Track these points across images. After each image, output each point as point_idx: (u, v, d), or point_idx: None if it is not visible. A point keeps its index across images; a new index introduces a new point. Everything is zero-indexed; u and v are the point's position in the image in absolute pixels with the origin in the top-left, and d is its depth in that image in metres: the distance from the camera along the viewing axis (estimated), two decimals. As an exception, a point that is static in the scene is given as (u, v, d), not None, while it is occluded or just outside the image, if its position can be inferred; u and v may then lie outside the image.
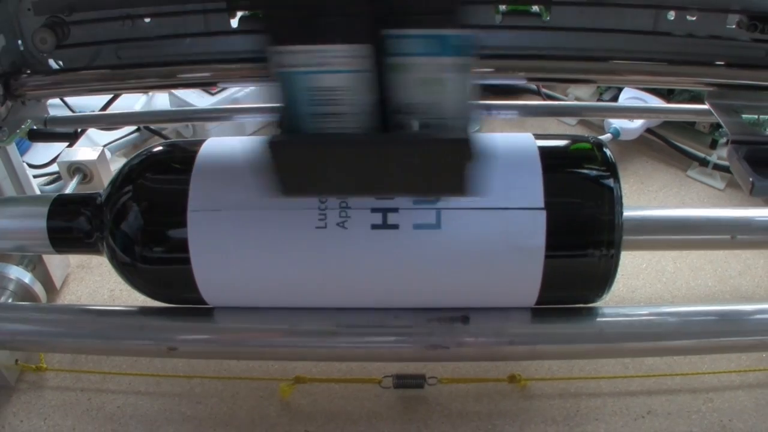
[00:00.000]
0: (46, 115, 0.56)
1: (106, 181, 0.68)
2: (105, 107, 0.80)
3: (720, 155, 0.75)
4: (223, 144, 0.45)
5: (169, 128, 0.84)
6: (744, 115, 0.46)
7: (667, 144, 0.79)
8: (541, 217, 0.40)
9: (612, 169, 0.42)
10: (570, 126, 0.85)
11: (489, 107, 0.57)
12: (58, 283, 0.64)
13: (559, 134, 0.47)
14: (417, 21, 0.29)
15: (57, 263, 0.64)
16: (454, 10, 0.29)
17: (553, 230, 0.40)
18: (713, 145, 0.76)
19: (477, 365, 0.54)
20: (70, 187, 0.68)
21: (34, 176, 0.68)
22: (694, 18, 0.46)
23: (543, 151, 0.42)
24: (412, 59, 0.30)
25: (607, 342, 0.46)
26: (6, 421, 0.53)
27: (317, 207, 0.40)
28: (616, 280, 0.42)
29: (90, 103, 0.82)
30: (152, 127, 0.83)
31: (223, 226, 0.41)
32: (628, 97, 0.77)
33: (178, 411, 0.53)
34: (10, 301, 0.56)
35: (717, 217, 0.50)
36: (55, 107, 0.79)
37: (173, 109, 0.82)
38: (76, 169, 0.71)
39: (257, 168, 0.33)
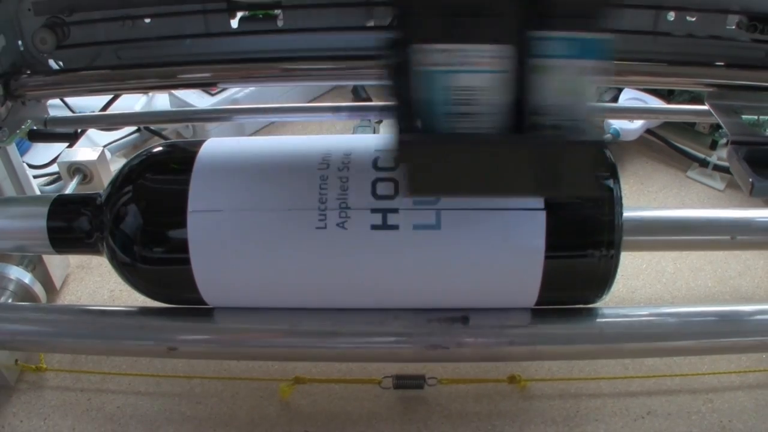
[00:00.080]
0: (46, 116, 0.56)
1: (106, 181, 0.68)
2: (105, 108, 0.80)
3: (720, 156, 0.75)
4: (222, 144, 0.45)
5: (169, 129, 0.84)
6: (744, 116, 0.46)
7: (667, 145, 0.79)
8: (541, 217, 0.40)
9: (612, 170, 0.42)
10: (570, 127, 0.84)
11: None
12: (58, 284, 0.64)
13: (559, 135, 0.47)
14: (564, 23, 0.29)
15: (57, 263, 0.64)
16: (600, 14, 0.29)
17: (553, 231, 0.40)
18: (713, 145, 0.76)
19: (477, 366, 0.54)
20: (70, 188, 0.68)
21: (34, 176, 0.68)
22: (693, 18, 0.46)
23: None
24: (554, 61, 0.30)
25: (607, 342, 0.46)
26: (6, 421, 0.53)
27: (317, 207, 0.40)
28: (616, 280, 0.42)
29: (90, 103, 0.82)
30: (152, 127, 0.83)
31: (223, 227, 0.41)
32: (628, 97, 0.77)
33: (178, 411, 0.53)
34: (10, 301, 0.56)
35: (717, 217, 0.50)
36: (55, 107, 0.79)
37: (173, 109, 0.82)
38: (76, 169, 0.71)
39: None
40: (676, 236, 0.50)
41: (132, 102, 0.85)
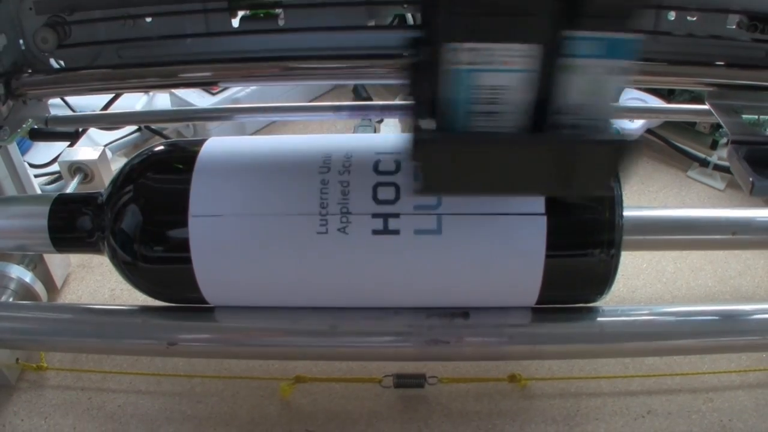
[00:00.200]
0: (47, 115, 0.56)
1: (106, 180, 0.68)
2: (106, 107, 0.80)
3: (720, 156, 0.75)
4: (224, 144, 0.45)
5: (169, 128, 0.84)
6: (744, 116, 0.46)
7: (667, 144, 0.79)
8: (542, 222, 0.40)
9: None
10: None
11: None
12: (59, 283, 0.64)
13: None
14: (596, 23, 0.29)
15: (58, 262, 0.64)
16: (631, 14, 0.29)
17: (554, 233, 0.40)
18: (713, 145, 0.76)
19: (477, 365, 0.55)
20: (71, 187, 0.68)
21: (35, 176, 0.68)
22: (694, 18, 0.46)
23: None
24: (582, 61, 0.30)
25: (607, 342, 0.46)
26: (7, 420, 0.53)
27: (318, 212, 0.40)
28: (616, 280, 0.42)
29: (91, 102, 0.82)
30: (153, 126, 0.83)
31: (224, 231, 0.41)
32: (629, 97, 0.77)
33: (178, 410, 0.53)
34: (11, 300, 0.56)
35: (717, 217, 0.50)
36: (56, 107, 0.79)
37: (174, 108, 0.82)
38: (77, 168, 0.71)
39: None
40: (676, 236, 0.50)
41: (133, 101, 0.85)
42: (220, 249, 0.41)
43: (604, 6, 0.29)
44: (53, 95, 0.58)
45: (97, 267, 0.66)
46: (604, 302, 0.45)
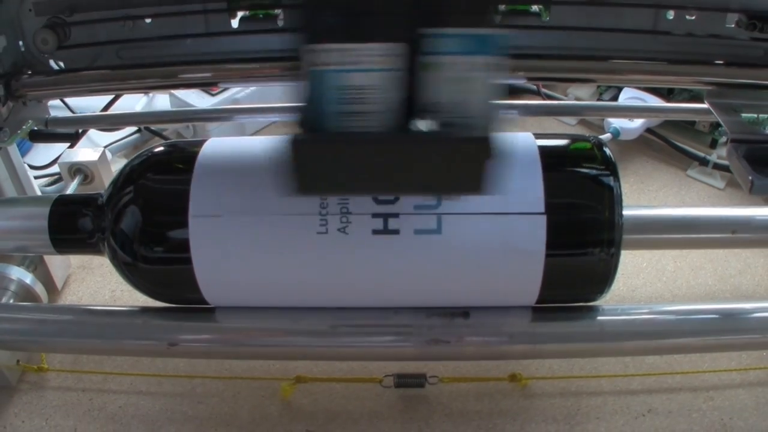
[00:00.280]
0: (47, 116, 0.56)
1: (107, 181, 0.68)
2: (106, 108, 0.80)
3: (720, 154, 0.75)
4: (223, 144, 0.45)
5: (169, 129, 0.84)
6: (743, 114, 0.46)
7: (667, 143, 0.79)
8: (542, 221, 0.40)
9: (612, 169, 0.42)
10: (570, 126, 0.85)
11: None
12: (59, 284, 0.64)
13: (558, 134, 0.47)
14: (454, 20, 0.29)
15: (58, 264, 0.64)
16: (490, 9, 0.29)
17: (554, 232, 0.40)
18: (713, 144, 0.77)
19: (477, 364, 0.55)
20: (71, 188, 0.68)
21: (35, 177, 0.68)
22: (693, 17, 0.46)
23: (543, 151, 0.42)
24: (445, 58, 0.30)
25: (607, 340, 0.46)
26: (8, 422, 0.53)
27: (318, 213, 0.40)
28: (616, 279, 0.42)
29: (91, 104, 0.82)
30: (153, 127, 0.83)
31: (224, 231, 0.41)
32: (628, 96, 0.77)
33: (179, 411, 0.53)
34: (11, 301, 0.56)
35: (717, 215, 0.51)
36: (55, 108, 0.79)
37: (174, 109, 0.82)
38: (77, 169, 0.71)
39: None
40: (676, 234, 0.50)
41: (132, 102, 0.85)
42: (220, 249, 0.41)
43: (462, 3, 0.29)
44: (53, 96, 0.58)
45: (98, 268, 0.66)
46: (604, 301, 0.45)
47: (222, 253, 0.41)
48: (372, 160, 0.33)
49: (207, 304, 0.45)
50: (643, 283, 0.63)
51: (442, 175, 0.33)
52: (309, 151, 0.32)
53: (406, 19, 0.29)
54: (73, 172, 0.71)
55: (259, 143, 0.45)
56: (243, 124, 0.85)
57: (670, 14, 0.47)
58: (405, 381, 0.52)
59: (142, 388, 0.55)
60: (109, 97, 0.81)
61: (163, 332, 0.47)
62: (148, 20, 0.49)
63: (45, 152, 0.79)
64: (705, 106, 0.47)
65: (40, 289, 0.59)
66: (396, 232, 0.40)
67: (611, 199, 0.41)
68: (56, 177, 0.77)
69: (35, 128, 0.54)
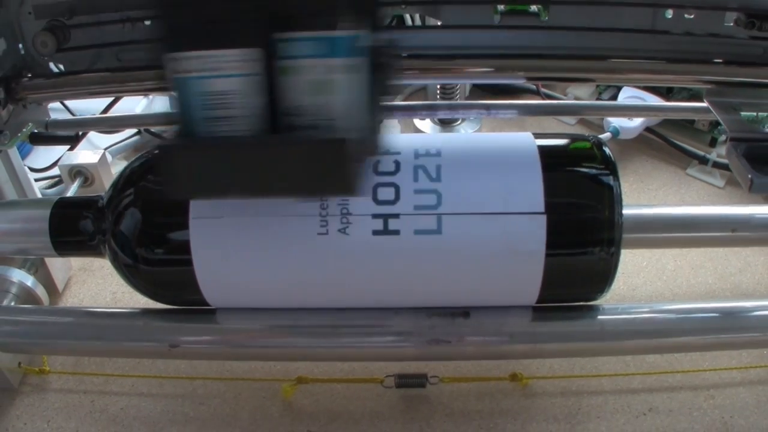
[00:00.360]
0: (47, 119, 0.56)
1: (107, 184, 0.68)
2: (106, 110, 0.80)
3: (719, 153, 0.75)
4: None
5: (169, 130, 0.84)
6: (742, 113, 0.46)
7: (666, 142, 0.79)
8: (542, 221, 0.40)
9: (612, 168, 0.42)
10: (569, 125, 0.85)
11: (488, 107, 0.57)
12: (60, 286, 0.64)
13: (558, 133, 0.48)
14: (303, 23, 0.30)
15: (59, 266, 0.64)
16: (339, 12, 0.29)
17: (554, 232, 0.40)
18: (713, 143, 0.77)
19: (478, 364, 0.55)
20: (72, 190, 0.68)
21: (36, 180, 0.68)
22: (692, 16, 0.47)
23: (542, 151, 0.42)
24: (301, 61, 0.31)
25: (608, 340, 0.46)
26: (9, 424, 0.53)
27: (318, 214, 0.40)
28: (616, 278, 0.42)
29: (91, 106, 0.82)
30: (153, 129, 0.83)
31: (224, 233, 0.41)
32: (628, 95, 0.77)
33: (181, 412, 0.53)
34: (12, 304, 0.56)
35: (717, 214, 0.51)
36: (55, 111, 0.79)
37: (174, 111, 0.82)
38: (78, 172, 0.71)
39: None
40: (676, 233, 0.50)
41: (132, 105, 0.85)
42: (221, 251, 0.41)
43: (310, 7, 0.29)
44: (53, 99, 0.58)
45: (98, 270, 0.67)
46: (604, 300, 0.45)
47: (223, 255, 0.42)
48: (241, 163, 0.33)
49: (208, 305, 0.45)
50: (643, 282, 0.63)
51: (310, 176, 0.33)
52: (179, 156, 0.33)
53: (258, 25, 0.30)
54: (74, 174, 0.71)
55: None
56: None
57: (669, 13, 0.47)
58: (406, 381, 0.52)
59: (143, 390, 0.55)
60: (108, 100, 0.81)
61: (164, 334, 0.47)
62: (147, 22, 0.49)
63: (45, 155, 0.79)
64: (704, 104, 0.47)
65: (41, 291, 0.59)
66: (396, 232, 0.40)
67: (611, 199, 0.41)
68: (56, 179, 0.77)
69: (35, 131, 0.54)
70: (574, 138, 0.46)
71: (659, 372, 0.54)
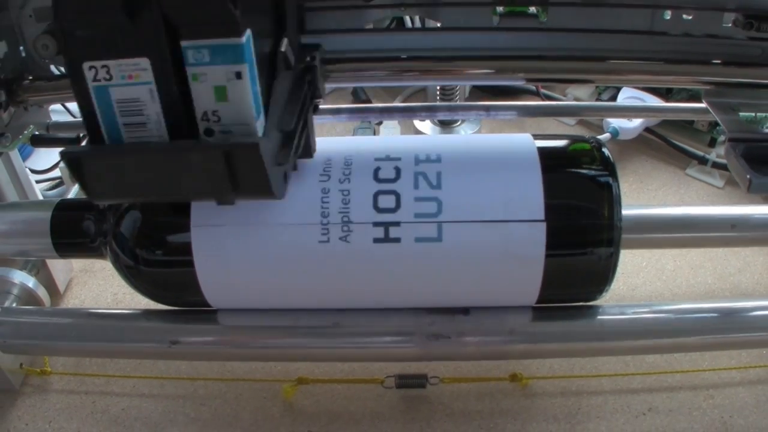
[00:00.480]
0: (48, 121, 0.56)
1: (108, 185, 0.68)
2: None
3: (719, 153, 0.75)
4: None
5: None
6: (741, 113, 0.46)
7: (665, 143, 0.79)
8: (542, 227, 0.40)
9: (611, 170, 0.42)
10: (569, 126, 0.85)
11: (488, 108, 0.57)
12: (61, 287, 0.65)
13: (557, 134, 0.48)
14: (192, 32, 0.30)
15: (60, 267, 0.64)
16: (227, 20, 0.30)
17: (553, 235, 0.40)
18: (712, 143, 0.77)
19: (478, 364, 0.55)
20: (73, 192, 0.68)
21: (37, 181, 0.68)
22: (690, 17, 0.47)
23: (542, 153, 0.42)
24: (203, 68, 0.31)
25: (607, 340, 0.46)
26: (11, 425, 0.53)
27: (319, 222, 0.41)
28: (615, 278, 0.43)
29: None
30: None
31: (226, 241, 0.41)
32: (627, 96, 0.77)
33: (182, 413, 0.54)
34: (14, 305, 0.56)
35: (716, 214, 0.51)
36: (57, 113, 0.79)
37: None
38: (79, 173, 0.71)
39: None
40: (675, 233, 0.50)
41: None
42: (222, 257, 0.42)
43: (202, 15, 0.30)
44: (54, 101, 0.58)
45: (100, 271, 0.67)
46: (604, 300, 0.45)
47: (224, 262, 0.42)
48: (158, 168, 0.34)
49: (209, 306, 0.45)
50: (642, 282, 0.63)
51: (228, 180, 0.33)
52: (91, 162, 0.34)
53: (153, 34, 0.30)
54: (75, 176, 0.71)
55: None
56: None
57: (668, 14, 0.47)
58: (406, 382, 0.53)
59: (144, 391, 0.55)
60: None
61: (165, 334, 0.47)
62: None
63: (46, 156, 0.79)
64: (703, 105, 0.47)
65: (42, 292, 0.59)
66: (397, 240, 0.40)
67: (610, 201, 0.41)
68: (58, 181, 0.77)
69: (36, 133, 0.54)
70: (573, 140, 0.46)
71: (659, 372, 0.54)
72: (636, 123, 0.76)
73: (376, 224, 0.40)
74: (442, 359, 0.53)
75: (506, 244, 0.40)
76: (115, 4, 0.30)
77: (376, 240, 0.40)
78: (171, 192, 0.36)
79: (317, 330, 0.46)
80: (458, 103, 0.82)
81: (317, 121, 0.45)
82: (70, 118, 0.80)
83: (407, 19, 0.78)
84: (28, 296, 0.57)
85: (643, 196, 0.74)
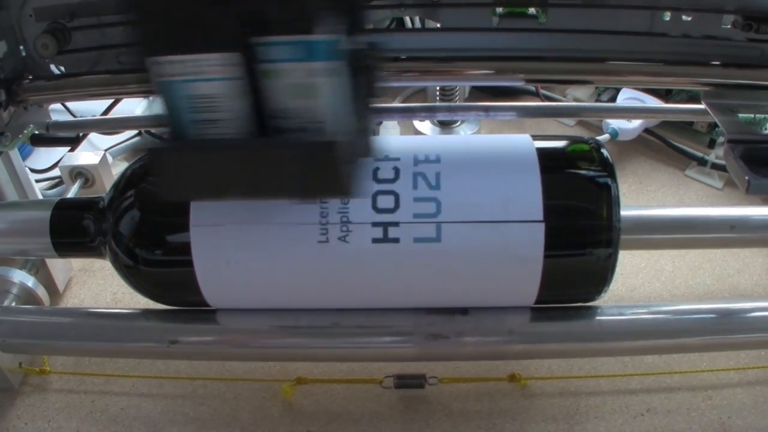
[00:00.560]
0: (48, 120, 0.56)
1: (107, 185, 0.69)
2: (106, 112, 0.80)
3: (718, 155, 0.76)
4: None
5: (169, 132, 0.84)
6: (740, 114, 0.46)
7: (665, 144, 0.79)
8: (540, 228, 0.40)
9: (610, 171, 0.42)
10: (568, 127, 0.85)
11: (488, 108, 0.57)
12: (61, 287, 0.65)
13: (556, 135, 0.48)
14: (279, 28, 0.30)
15: (60, 267, 0.64)
16: (316, 16, 0.30)
17: (552, 237, 0.40)
18: (711, 144, 0.77)
19: (477, 365, 0.55)
20: (72, 192, 0.68)
21: (37, 181, 0.68)
22: (689, 18, 0.47)
23: (541, 154, 0.42)
24: (281, 65, 0.31)
25: (606, 340, 0.46)
26: (10, 424, 0.53)
27: (318, 222, 0.41)
28: (614, 279, 0.43)
29: (91, 108, 0.82)
30: (153, 131, 0.84)
31: (225, 240, 0.41)
32: (626, 97, 0.77)
33: (181, 412, 0.54)
34: (13, 304, 0.56)
35: (715, 215, 0.51)
36: (56, 112, 0.79)
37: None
38: (78, 173, 0.71)
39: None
40: (674, 234, 0.50)
41: (133, 106, 0.85)
42: (221, 257, 0.42)
43: (287, 11, 0.29)
44: (54, 101, 0.58)
45: (99, 271, 0.67)
46: (602, 301, 0.45)
47: (224, 262, 0.42)
48: (231, 165, 0.34)
49: (208, 306, 0.45)
50: (641, 282, 0.63)
51: (302, 178, 0.33)
52: (169, 158, 0.33)
53: (235, 29, 0.30)
54: (74, 175, 0.71)
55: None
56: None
57: (667, 15, 0.47)
58: (405, 382, 0.53)
59: (143, 390, 0.55)
60: (109, 101, 0.81)
61: (164, 334, 0.47)
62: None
63: (46, 156, 0.79)
64: (702, 106, 0.48)
65: (41, 292, 0.59)
66: (396, 240, 0.40)
67: (609, 202, 0.41)
68: (57, 180, 0.77)
69: (36, 132, 0.54)
70: (572, 140, 0.46)
71: (657, 373, 0.54)
72: (635, 124, 0.76)
73: (375, 224, 0.40)
74: (440, 359, 0.53)
75: (505, 245, 0.40)
76: None
77: (375, 240, 0.40)
78: (250, 190, 0.35)
79: (316, 330, 0.46)
80: (458, 103, 0.82)
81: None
82: (70, 118, 0.80)
83: (407, 19, 0.78)
84: (27, 295, 0.57)
85: (642, 197, 0.74)
